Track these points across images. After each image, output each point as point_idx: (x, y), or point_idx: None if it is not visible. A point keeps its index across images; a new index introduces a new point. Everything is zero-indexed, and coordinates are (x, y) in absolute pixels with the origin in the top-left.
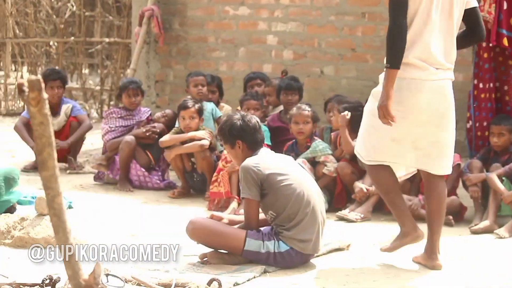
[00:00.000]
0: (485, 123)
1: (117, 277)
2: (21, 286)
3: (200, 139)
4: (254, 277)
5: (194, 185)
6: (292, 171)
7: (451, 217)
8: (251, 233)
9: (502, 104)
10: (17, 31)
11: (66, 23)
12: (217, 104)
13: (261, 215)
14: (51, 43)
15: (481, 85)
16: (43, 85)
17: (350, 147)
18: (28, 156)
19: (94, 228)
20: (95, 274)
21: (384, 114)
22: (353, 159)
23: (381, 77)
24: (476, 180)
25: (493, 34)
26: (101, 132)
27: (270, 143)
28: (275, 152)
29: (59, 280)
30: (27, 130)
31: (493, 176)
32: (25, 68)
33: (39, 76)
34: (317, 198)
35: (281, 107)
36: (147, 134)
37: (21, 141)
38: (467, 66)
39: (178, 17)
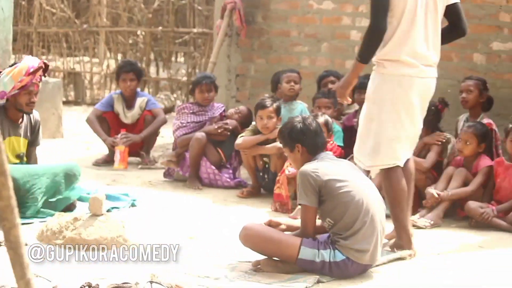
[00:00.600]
0: None
1: (161, 284)
2: None
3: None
4: None
5: (265, 184)
6: (352, 178)
7: None
8: (306, 241)
9: None
10: (105, 20)
11: (156, 11)
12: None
13: (319, 222)
14: (138, 32)
15: None
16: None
17: (420, 166)
18: (103, 149)
19: (151, 228)
20: None
21: (340, 95)
22: None
23: (371, 76)
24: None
25: None
26: (172, 127)
27: (342, 144)
28: (352, 150)
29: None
30: (100, 122)
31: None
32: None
33: None
34: (377, 206)
35: (356, 106)
36: (219, 131)
37: None
38: None
39: (261, 10)
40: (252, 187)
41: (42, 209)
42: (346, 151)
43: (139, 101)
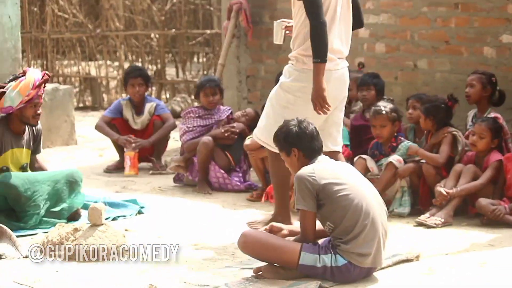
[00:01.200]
0: None
1: None
2: None
3: None
4: None
5: None
6: (350, 181)
7: None
8: (307, 247)
9: None
10: (117, 24)
11: (168, 14)
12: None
13: (320, 226)
14: (151, 35)
15: None
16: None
17: (435, 162)
18: (116, 156)
19: (156, 237)
20: None
21: (321, 105)
22: None
23: (286, 69)
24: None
25: None
26: (179, 132)
27: (348, 144)
28: (360, 150)
29: None
30: (109, 127)
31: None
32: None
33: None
34: (377, 209)
35: (359, 103)
36: (226, 134)
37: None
38: None
39: (268, 10)
40: (262, 189)
41: (44, 218)
42: (353, 152)
43: (148, 107)
